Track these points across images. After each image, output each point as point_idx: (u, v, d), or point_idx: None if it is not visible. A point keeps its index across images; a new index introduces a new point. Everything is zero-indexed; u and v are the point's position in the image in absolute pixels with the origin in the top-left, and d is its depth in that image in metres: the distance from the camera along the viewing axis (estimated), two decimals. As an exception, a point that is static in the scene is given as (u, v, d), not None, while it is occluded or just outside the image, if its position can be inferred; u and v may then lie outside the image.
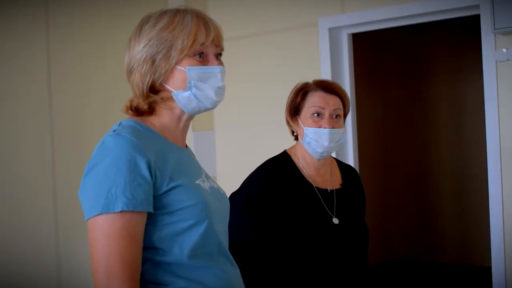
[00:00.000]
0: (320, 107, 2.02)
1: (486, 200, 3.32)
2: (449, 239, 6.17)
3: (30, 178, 3.35)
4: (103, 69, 3.72)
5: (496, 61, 3.17)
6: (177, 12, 1.39)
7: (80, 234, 3.52)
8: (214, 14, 1.50)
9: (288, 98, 2.11)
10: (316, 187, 2.06)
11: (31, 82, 3.38)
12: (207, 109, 1.41)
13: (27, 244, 3.30)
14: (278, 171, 2.05)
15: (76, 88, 3.58)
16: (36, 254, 3.35)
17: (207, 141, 4.18)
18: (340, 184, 2.14)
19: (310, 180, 2.07)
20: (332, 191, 2.09)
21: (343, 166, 2.23)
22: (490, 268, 3.31)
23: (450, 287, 5.41)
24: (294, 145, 2.15)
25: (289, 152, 2.13)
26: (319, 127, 2.01)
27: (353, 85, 3.88)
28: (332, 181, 2.13)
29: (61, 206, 3.48)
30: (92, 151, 1.31)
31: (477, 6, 3.23)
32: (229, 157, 4.18)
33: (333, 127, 2.02)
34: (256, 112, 4.04)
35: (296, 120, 2.07)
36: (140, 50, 1.37)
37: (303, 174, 2.07)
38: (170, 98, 1.39)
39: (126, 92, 1.48)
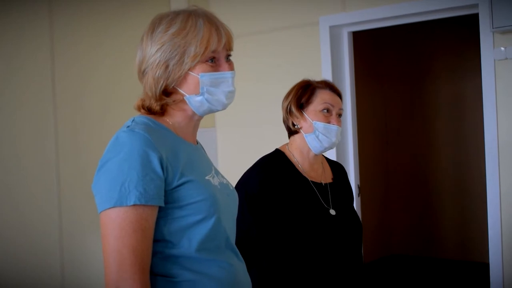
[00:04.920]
0: (331, 104, 2.12)
1: (485, 197, 3.36)
2: (449, 236, 6.22)
3: (33, 179, 3.32)
4: (106, 66, 3.72)
5: (494, 60, 3.21)
6: (189, 16, 1.41)
7: (84, 237, 3.49)
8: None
9: (293, 92, 2.17)
10: (311, 181, 2.13)
11: (35, 78, 3.36)
12: (217, 111, 1.46)
13: (31, 246, 3.28)
14: (275, 167, 2.11)
15: (79, 83, 3.57)
16: (40, 256, 3.33)
17: (209, 138, 4.21)
18: (332, 178, 2.23)
19: (305, 174, 2.14)
20: (326, 184, 2.17)
21: (332, 163, 2.33)
22: (488, 264, 3.35)
23: (449, 282, 5.46)
24: (286, 143, 2.22)
25: (282, 149, 2.20)
26: (328, 122, 2.10)
27: (354, 82, 3.92)
28: (324, 175, 2.21)
29: (65, 207, 3.46)
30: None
31: (476, 5, 3.27)
32: (231, 153, 4.22)
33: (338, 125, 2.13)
34: (257, 109, 4.07)
35: (302, 114, 2.13)
36: (153, 54, 1.39)
37: (298, 169, 2.14)
38: (182, 101, 1.43)
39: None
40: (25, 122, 3.31)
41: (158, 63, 1.39)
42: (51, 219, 3.41)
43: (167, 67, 1.39)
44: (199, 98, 1.41)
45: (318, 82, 2.18)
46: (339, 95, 2.18)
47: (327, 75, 3.71)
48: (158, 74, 1.39)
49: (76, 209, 3.50)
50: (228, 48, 1.45)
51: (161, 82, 1.40)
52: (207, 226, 1.36)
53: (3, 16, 3.21)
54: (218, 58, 1.43)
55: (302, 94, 2.14)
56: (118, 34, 3.78)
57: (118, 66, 3.75)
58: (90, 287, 3.49)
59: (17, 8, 3.27)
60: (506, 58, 3.17)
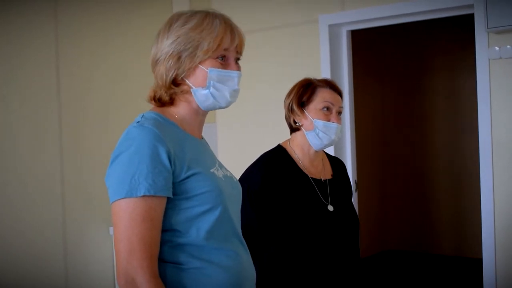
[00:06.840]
0: (331, 103, 2.18)
1: (479, 194, 3.41)
2: (444, 232, 6.29)
3: (36, 179, 3.33)
4: (110, 64, 3.74)
5: (489, 59, 3.26)
6: (207, 15, 1.49)
7: (88, 238, 3.51)
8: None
9: (294, 91, 2.23)
10: (311, 177, 2.20)
11: (39, 77, 3.37)
12: (220, 108, 1.53)
13: (34, 248, 3.28)
14: (276, 163, 2.18)
15: (83, 82, 3.59)
16: (44, 258, 3.34)
17: (210, 133, 4.26)
18: (331, 175, 2.29)
19: (305, 171, 2.20)
20: (325, 181, 2.23)
21: (332, 159, 2.38)
22: (481, 260, 3.41)
23: (444, 277, 5.53)
24: (288, 139, 2.28)
25: (284, 146, 2.26)
26: (328, 120, 2.16)
27: (352, 80, 3.98)
28: (324, 172, 2.27)
29: (69, 208, 3.47)
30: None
31: (471, 6, 3.33)
32: (231, 149, 4.28)
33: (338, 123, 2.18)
34: (257, 106, 4.12)
35: (303, 112, 2.19)
36: (168, 45, 1.47)
37: (299, 165, 2.21)
38: (189, 92, 1.50)
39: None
40: (29, 121, 3.30)
41: (171, 53, 1.47)
42: (55, 221, 3.41)
43: (179, 58, 1.46)
44: (205, 91, 1.48)
45: (319, 81, 2.23)
46: (339, 93, 2.23)
47: (326, 73, 3.77)
48: (170, 63, 1.47)
49: (80, 211, 3.50)
50: (239, 51, 1.54)
51: (172, 71, 1.47)
52: (214, 216, 1.43)
53: (8, 15, 3.23)
54: (228, 58, 1.51)
55: (303, 92, 2.20)
56: (122, 33, 3.80)
57: (122, 65, 3.76)
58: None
59: (22, 7, 3.28)
60: (501, 58, 3.23)
